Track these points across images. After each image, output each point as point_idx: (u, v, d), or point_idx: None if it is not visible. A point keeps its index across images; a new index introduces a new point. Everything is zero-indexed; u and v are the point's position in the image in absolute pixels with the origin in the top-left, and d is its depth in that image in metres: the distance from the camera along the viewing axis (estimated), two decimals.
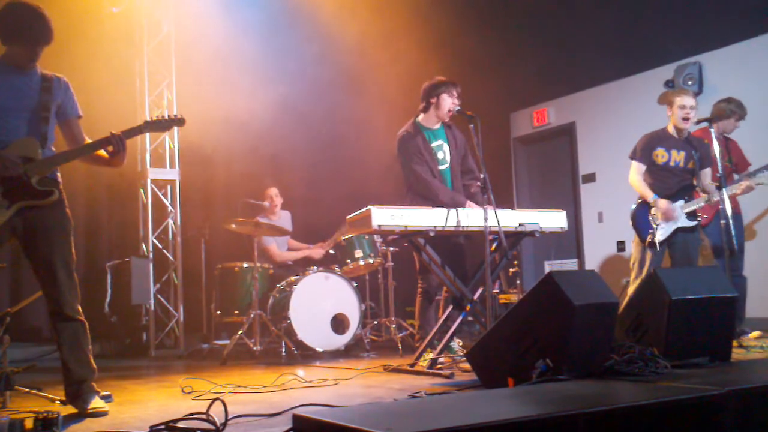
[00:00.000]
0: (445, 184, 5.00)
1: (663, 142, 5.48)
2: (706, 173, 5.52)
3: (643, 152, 5.49)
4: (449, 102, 4.97)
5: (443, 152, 5.10)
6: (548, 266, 9.22)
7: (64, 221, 3.47)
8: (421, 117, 5.10)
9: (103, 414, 3.30)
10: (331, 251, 6.78)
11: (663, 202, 5.33)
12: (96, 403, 3.38)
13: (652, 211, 5.38)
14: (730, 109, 6.01)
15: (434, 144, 5.06)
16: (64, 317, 3.43)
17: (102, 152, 3.57)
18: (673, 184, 5.45)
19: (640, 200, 5.50)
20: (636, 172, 5.51)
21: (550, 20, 8.38)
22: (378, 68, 7.45)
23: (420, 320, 5.13)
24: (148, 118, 3.73)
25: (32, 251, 3.42)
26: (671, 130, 5.52)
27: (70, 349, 3.45)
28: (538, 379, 3.04)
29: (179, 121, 3.70)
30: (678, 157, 5.46)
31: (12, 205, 3.30)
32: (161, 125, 3.68)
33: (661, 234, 5.33)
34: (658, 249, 5.30)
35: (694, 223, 5.39)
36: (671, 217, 5.33)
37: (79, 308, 3.48)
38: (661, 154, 5.45)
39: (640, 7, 7.70)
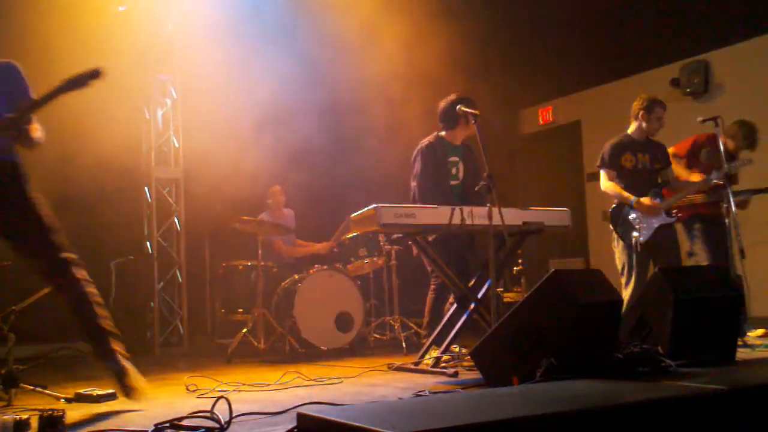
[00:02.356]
0: (453, 199, 5.04)
1: (628, 147, 5.57)
2: (671, 171, 5.67)
3: (611, 160, 5.56)
4: (465, 128, 5.15)
5: (457, 169, 5.24)
6: (553, 265, 9.20)
7: (24, 196, 3.43)
8: (443, 133, 5.25)
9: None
10: (335, 249, 6.78)
11: (645, 200, 5.38)
12: (136, 379, 3.42)
13: (632, 213, 5.42)
14: (734, 133, 5.99)
15: (451, 159, 5.20)
16: (58, 284, 3.43)
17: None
18: (644, 185, 5.51)
19: (614, 204, 5.56)
20: (607, 178, 5.59)
21: (556, 19, 8.37)
22: (385, 67, 7.44)
23: (429, 317, 5.14)
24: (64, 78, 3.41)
25: (4, 232, 3.41)
26: (635, 135, 5.61)
27: (76, 314, 3.47)
28: (543, 378, 3.03)
29: (95, 74, 3.40)
30: (644, 159, 5.56)
31: None
32: (78, 82, 3.38)
33: (644, 235, 5.37)
34: (639, 249, 5.33)
35: (673, 219, 5.44)
36: (657, 214, 5.37)
37: (75, 271, 3.46)
38: (628, 158, 5.54)
39: (646, 5, 7.68)
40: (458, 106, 4.95)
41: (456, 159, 5.23)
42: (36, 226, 3.43)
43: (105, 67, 3.38)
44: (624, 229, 5.44)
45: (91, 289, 3.52)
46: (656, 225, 5.38)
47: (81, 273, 3.50)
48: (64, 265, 3.44)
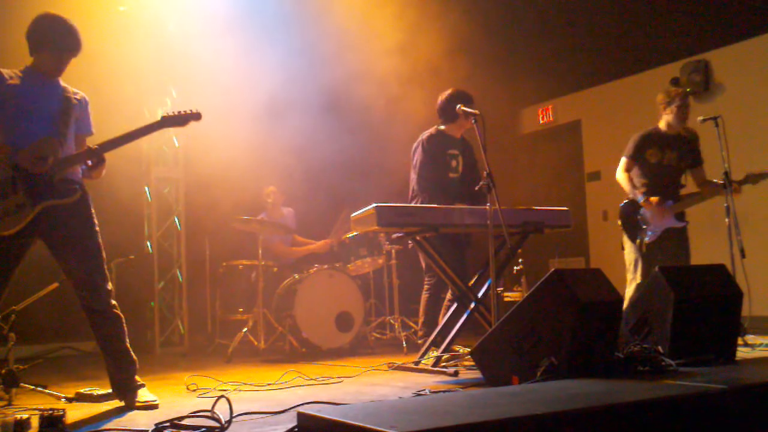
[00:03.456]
0: (452, 192, 5.06)
1: (656, 141, 5.44)
2: (699, 170, 5.52)
3: (636, 151, 5.44)
4: (464, 123, 5.12)
5: (457, 162, 5.27)
6: (553, 264, 9.19)
7: (89, 221, 3.52)
8: (443, 126, 5.26)
9: (154, 407, 3.34)
10: (335, 248, 6.77)
11: (654, 199, 5.28)
12: (143, 395, 3.42)
13: (641, 211, 5.36)
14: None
15: (450, 152, 5.24)
16: (97, 312, 3.46)
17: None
18: (665, 182, 5.41)
19: (627, 200, 5.48)
20: (624, 168, 5.48)
21: (557, 18, 8.37)
22: (384, 64, 7.44)
23: (424, 317, 5.14)
24: (164, 113, 3.66)
25: (59, 251, 3.45)
26: (665, 129, 5.47)
27: (105, 343, 3.50)
28: (543, 377, 3.03)
29: (197, 116, 3.63)
30: (671, 155, 5.43)
31: (36, 205, 3.31)
32: (176, 120, 3.60)
33: (649, 236, 5.30)
34: (644, 250, 5.28)
35: (683, 224, 5.36)
36: (667, 215, 5.29)
37: (113, 302, 3.52)
38: (654, 153, 5.41)
39: (647, 4, 7.68)
40: (458, 106, 4.93)
41: (456, 152, 5.26)
42: (93, 251, 3.48)
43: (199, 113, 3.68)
44: (631, 226, 5.38)
45: (122, 317, 3.55)
46: (664, 227, 5.30)
47: (114, 302, 3.54)
48: (107, 295, 3.48)
